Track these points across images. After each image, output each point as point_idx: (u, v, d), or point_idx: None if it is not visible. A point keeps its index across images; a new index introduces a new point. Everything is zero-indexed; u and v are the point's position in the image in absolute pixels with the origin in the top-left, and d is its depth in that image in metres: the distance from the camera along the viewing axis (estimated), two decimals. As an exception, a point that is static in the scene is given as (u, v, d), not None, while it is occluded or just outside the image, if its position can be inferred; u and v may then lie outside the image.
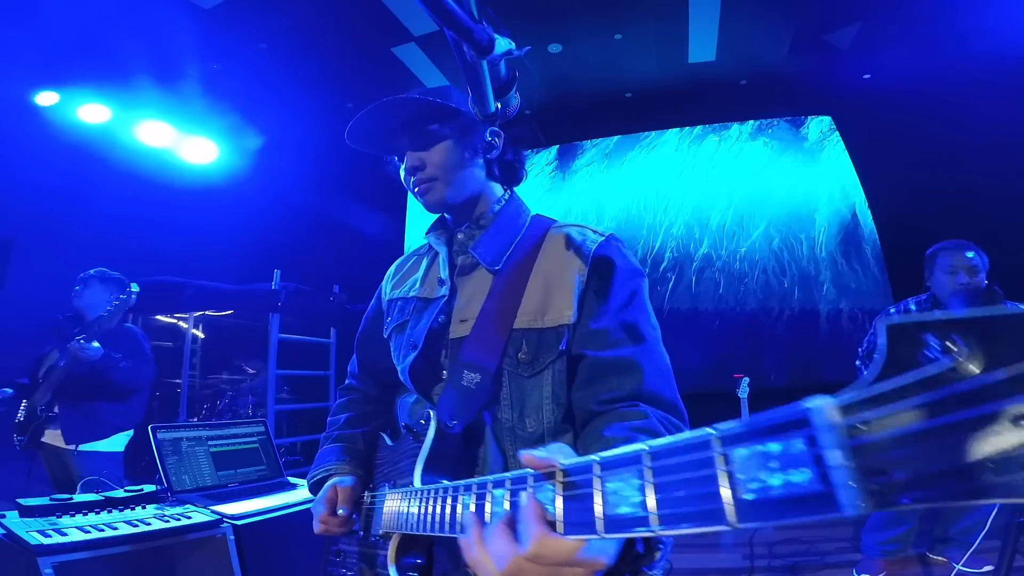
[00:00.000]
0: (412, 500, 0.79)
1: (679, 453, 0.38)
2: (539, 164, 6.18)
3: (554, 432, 0.91)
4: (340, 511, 0.98)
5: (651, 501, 0.39)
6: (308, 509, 1.89)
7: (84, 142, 4.59)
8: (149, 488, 1.82)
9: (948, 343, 0.27)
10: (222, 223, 5.47)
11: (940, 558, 2.71)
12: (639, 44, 4.96)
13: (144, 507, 1.71)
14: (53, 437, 2.61)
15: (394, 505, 0.87)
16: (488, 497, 0.59)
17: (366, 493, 1.04)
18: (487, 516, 0.58)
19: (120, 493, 1.76)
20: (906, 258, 3.98)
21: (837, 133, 5.50)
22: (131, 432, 2.77)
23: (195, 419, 4.99)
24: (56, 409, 2.62)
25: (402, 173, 1.03)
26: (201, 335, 5.76)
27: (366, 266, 6.52)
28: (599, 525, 0.43)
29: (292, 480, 2.15)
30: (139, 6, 3.91)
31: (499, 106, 0.83)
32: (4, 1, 3.60)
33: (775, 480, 0.32)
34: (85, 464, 2.53)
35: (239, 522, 1.67)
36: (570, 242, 0.96)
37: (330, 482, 1.02)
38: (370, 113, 0.95)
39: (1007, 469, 0.25)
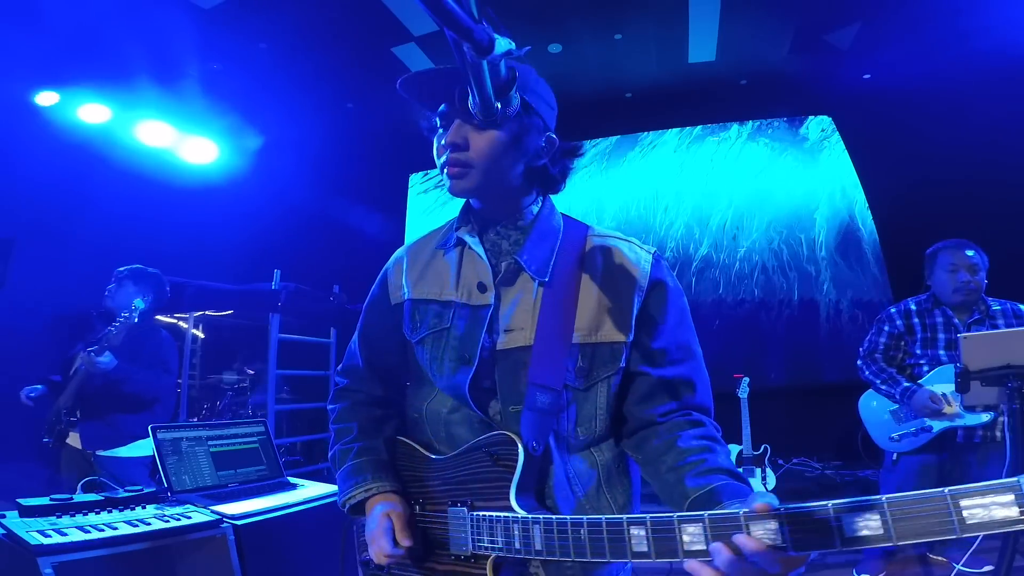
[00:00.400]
0: (533, 527, 0.81)
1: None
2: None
3: (600, 439, 0.96)
4: (405, 543, 0.92)
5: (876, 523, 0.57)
6: (308, 509, 1.90)
7: (84, 142, 4.59)
8: (149, 488, 1.82)
9: None
10: (222, 223, 5.47)
11: (940, 558, 2.71)
12: (639, 44, 4.97)
13: (144, 507, 1.71)
14: (75, 440, 2.59)
15: (493, 530, 0.86)
16: (677, 532, 0.69)
17: (416, 508, 1.00)
18: (680, 546, 0.68)
19: (120, 493, 1.76)
20: (906, 258, 3.99)
21: (837, 133, 5.50)
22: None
23: (195, 419, 4.99)
24: (78, 413, 2.57)
25: (437, 142, 0.95)
26: (201, 335, 5.76)
27: (366, 266, 6.54)
28: (841, 541, 0.58)
29: (292, 480, 2.15)
30: (139, 6, 3.91)
31: (499, 106, 0.83)
32: (4, 1, 3.60)
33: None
34: (109, 468, 2.49)
35: (239, 522, 1.67)
36: (623, 259, 0.97)
37: (379, 507, 0.96)
38: (439, 71, 0.88)
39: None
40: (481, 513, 0.88)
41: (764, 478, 3.80)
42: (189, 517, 1.64)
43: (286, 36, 4.59)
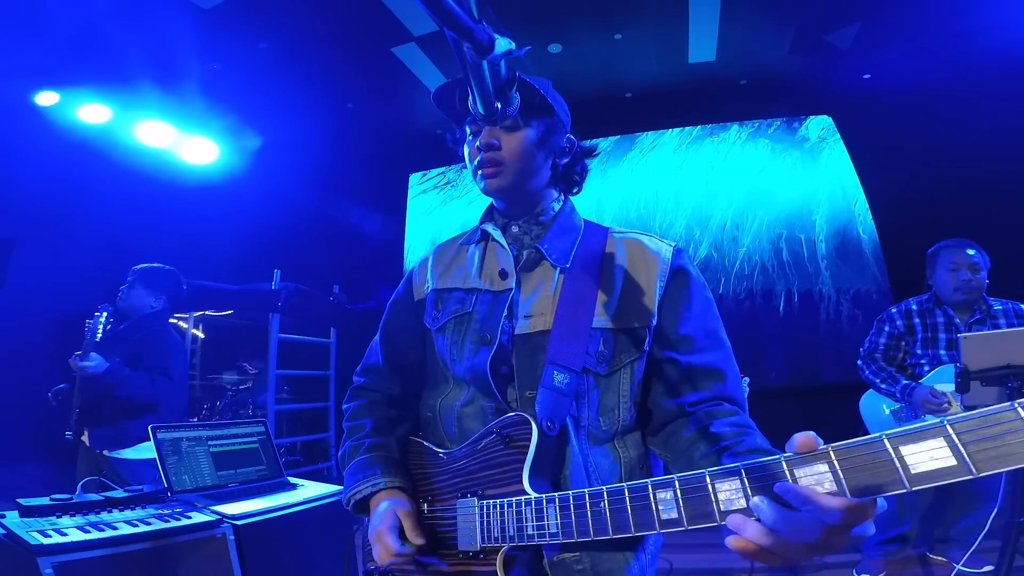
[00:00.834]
0: (547, 507, 0.75)
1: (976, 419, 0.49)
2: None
3: (624, 431, 0.94)
4: (418, 541, 0.90)
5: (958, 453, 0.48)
6: (308, 509, 1.90)
7: (84, 142, 4.59)
8: (150, 488, 1.82)
9: None
10: (222, 223, 5.47)
11: (940, 558, 2.71)
12: (639, 44, 4.96)
13: (144, 507, 1.71)
14: (87, 438, 2.59)
15: (504, 517, 0.82)
16: (711, 490, 0.60)
17: (425, 506, 0.97)
18: (716, 507, 0.60)
19: (120, 493, 1.76)
20: (906, 258, 3.99)
21: (837, 133, 5.50)
22: None
23: (195, 419, 4.99)
24: (86, 413, 2.56)
25: (467, 149, 1.02)
26: (201, 335, 5.76)
27: (366, 266, 6.57)
28: (907, 480, 0.50)
29: (292, 480, 2.15)
30: (139, 6, 3.91)
31: (499, 106, 0.83)
32: (4, 1, 3.60)
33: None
34: (118, 468, 2.47)
35: (239, 522, 1.67)
36: (644, 249, 0.99)
37: (384, 506, 0.92)
38: (464, 82, 0.92)
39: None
40: (491, 500, 0.84)
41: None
42: (189, 517, 1.65)
43: (286, 36, 4.59)
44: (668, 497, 0.63)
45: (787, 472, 0.56)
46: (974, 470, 0.47)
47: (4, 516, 1.51)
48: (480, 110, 0.78)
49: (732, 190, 5.65)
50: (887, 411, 2.57)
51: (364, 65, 5.04)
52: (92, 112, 4.59)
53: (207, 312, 5.43)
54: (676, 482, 0.63)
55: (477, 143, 0.98)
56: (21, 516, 1.52)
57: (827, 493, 0.54)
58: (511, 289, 0.97)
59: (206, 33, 4.34)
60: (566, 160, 1.05)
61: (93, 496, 1.69)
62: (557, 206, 1.06)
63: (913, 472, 0.50)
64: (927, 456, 0.49)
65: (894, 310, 2.63)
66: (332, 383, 5.52)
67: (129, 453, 2.54)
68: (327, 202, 6.17)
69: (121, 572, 1.43)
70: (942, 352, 2.46)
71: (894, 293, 4.94)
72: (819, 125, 5.59)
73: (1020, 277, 2.75)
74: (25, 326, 4.19)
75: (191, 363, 5.31)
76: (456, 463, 0.94)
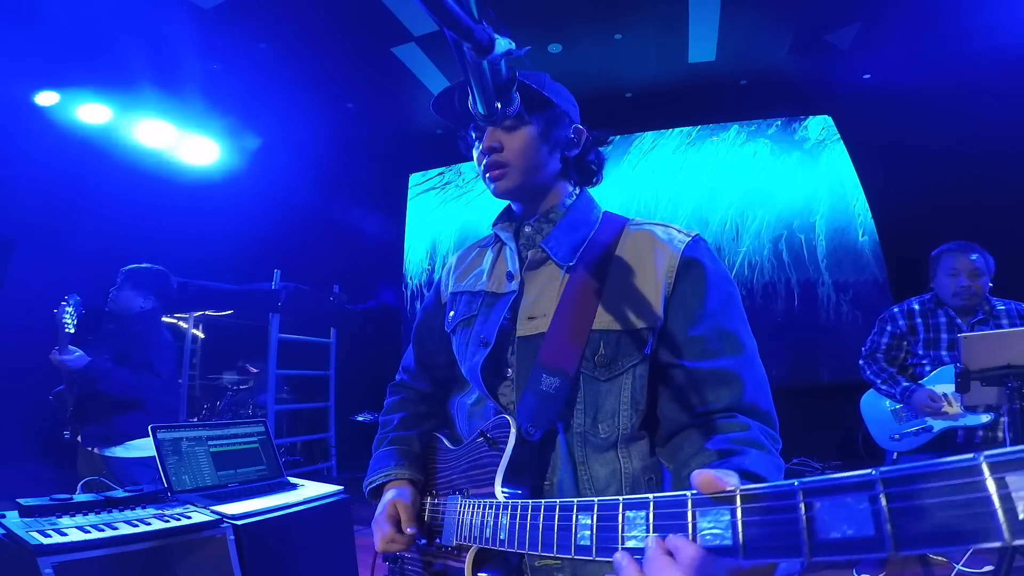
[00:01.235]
0: (502, 513, 0.75)
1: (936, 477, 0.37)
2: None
3: (628, 439, 0.88)
4: (408, 530, 0.94)
5: (889, 528, 0.37)
6: (308, 509, 1.90)
7: (84, 142, 4.59)
8: (149, 488, 1.82)
9: None
10: (222, 223, 5.46)
11: (940, 558, 2.71)
12: (639, 44, 4.96)
13: (144, 507, 1.71)
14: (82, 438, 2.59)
15: (473, 517, 0.83)
16: (619, 520, 0.55)
17: (428, 499, 1.01)
18: (620, 541, 0.54)
19: (120, 493, 1.76)
20: (906, 258, 3.99)
21: (837, 133, 5.50)
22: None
23: (195, 419, 4.99)
24: (77, 411, 2.57)
25: (475, 153, 1.01)
26: (201, 335, 5.76)
27: (366, 266, 6.57)
28: (806, 549, 0.41)
29: (292, 480, 2.15)
30: (139, 6, 3.91)
31: (500, 105, 0.83)
32: (4, 1, 3.60)
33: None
34: (114, 468, 2.48)
35: (239, 522, 1.67)
36: (655, 240, 0.92)
37: (388, 496, 0.98)
38: (463, 85, 0.88)
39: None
40: (470, 500, 0.86)
41: (764, 478, 3.80)
42: (189, 517, 1.65)
43: (286, 36, 4.59)
44: (586, 523, 0.59)
45: (690, 513, 0.50)
46: (892, 546, 0.37)
47: (4, 516, 1.51)
48: (481, 110, 0.78)
49: (732, 190, 5.65)
50: (889, 409, 2.57)
51: (364, 65, 5.04)
52: (92, 112, 4.59)
53: (207, 312, 5.43)
54: (595, 506, 0.58)
55: (481, 147, 0.97)
56: (21, 516, 1.52)
57: (713, 548, 0.48)
58: (513, 292, 0.96)
59: (206, 33, 4.34)
60: (576, 151, 1.01)
61: (93, 496, 1.69)
62: (569, 201, 1.01)
63: (819, 540, 0.41)
64: (845, 523, 0.39)
65: (896, 310, 2.62)
66: (332, 383, 5.53)
67: (119, 451, 2.54)
68: (327, 202, 6.17)
69: (121, 572, 1.43)
70: (944, 353, 2.45)
71: (894, 293, 4.94)
72: (819, 125, 5.59)
73: (1020, 277, 2.75)
74: (25, 326, 4.19)
75: (191, 363, 5.31)
76: (456, 460, 0.97)
